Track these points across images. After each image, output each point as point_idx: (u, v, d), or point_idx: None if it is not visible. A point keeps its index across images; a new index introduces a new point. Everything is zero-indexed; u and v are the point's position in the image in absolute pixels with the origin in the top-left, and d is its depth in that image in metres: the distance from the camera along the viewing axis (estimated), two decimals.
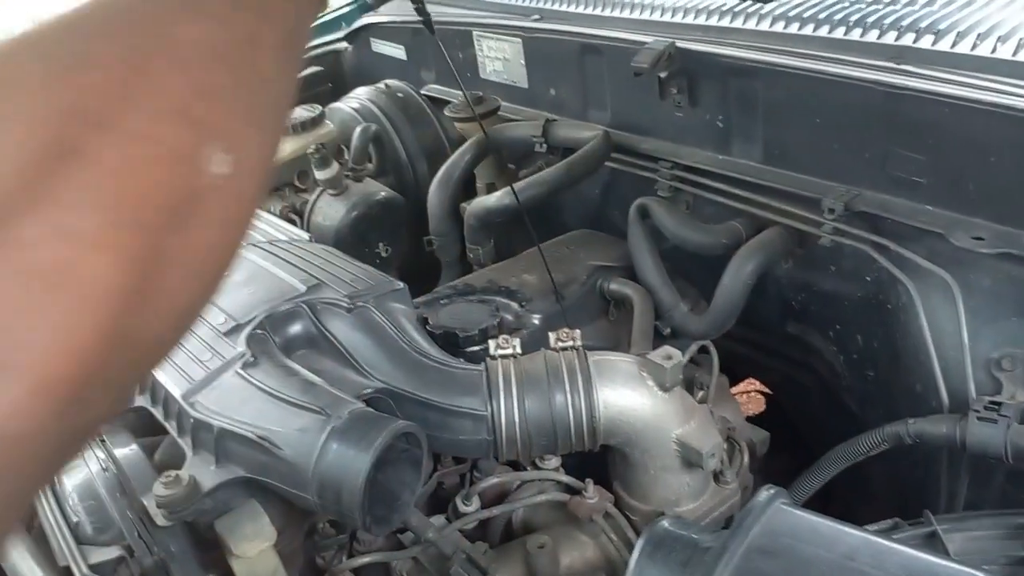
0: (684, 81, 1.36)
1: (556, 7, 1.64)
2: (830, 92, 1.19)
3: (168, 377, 1.07)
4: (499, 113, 1.68)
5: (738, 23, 1.32)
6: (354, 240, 1.60)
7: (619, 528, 1.11)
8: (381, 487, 0.93)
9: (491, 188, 1.71)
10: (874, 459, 1.13)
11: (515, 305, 1.34)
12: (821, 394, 1.48)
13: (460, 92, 1.85)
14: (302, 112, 1.79)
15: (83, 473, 1.03)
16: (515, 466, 1.21)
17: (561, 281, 1.37)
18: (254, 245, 1.37)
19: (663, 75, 1.33)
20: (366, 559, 1.04)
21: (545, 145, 1.55)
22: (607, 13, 1.54)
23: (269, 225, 1.46)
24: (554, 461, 1.18)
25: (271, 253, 1.32)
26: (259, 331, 1.11)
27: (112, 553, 0.92)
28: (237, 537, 0.94)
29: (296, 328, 1.13)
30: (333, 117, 1.85)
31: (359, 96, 1.93)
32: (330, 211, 1.63)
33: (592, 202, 1.67)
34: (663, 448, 1.06)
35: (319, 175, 1.62)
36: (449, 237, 1.58)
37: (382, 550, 1.10)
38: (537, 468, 1.19)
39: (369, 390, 1.04)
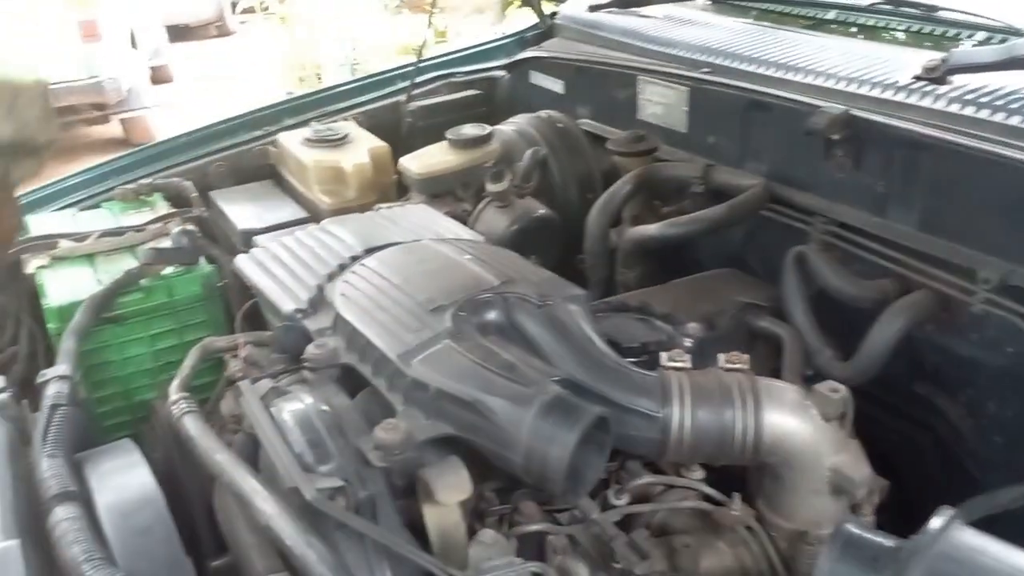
0: (852, 145, 1.47)
1: (726, 63, 1.78)
2: (998, 173, 1.29)
3: (381, 341, 1.21)
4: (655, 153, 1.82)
5: (913, 99, 1.43)
6: (512, 250, 1.73)
7: (760, 541, 1.21)
8: (571, 463, 1.04)
9: (637, 220, 1.83)
10: None
11: (669, 327, 1.45)
12: (938, 455, 1.55)
13: (614, 129, 2.00)
14: (471, 130, 1.96)
15: (302, 409, 1.17)
16: (657, 472, 1.32)
17: (711, 312, 1.48)
18: (444, 240, 1.52)
19: (835, 137, 1.45)
20: (533, 527, 1.15)
21: (702, 186, 1.67)
22: (778, 75, 1.66)
23: (451, 225, 1.61)
24: (699, 472, 1.28)
25: (461, 249, 1.46)
26: (461, 312, 1.25)
27: (335, 483, 1.05)
28: (441, 485, 1.06)
29: (491, 315, 1.27)
30: (495, 137, 2.00)
31: (521, 121, 2.08)
32: (494, 221, 1.77)
33: (731, 245, 1.78)
34: (816, 473, 1.15)
35: (491, 187, 1.77)
36: (601, 258, 1.71)
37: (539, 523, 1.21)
38: (681, 476, 1.29)
39: (556, 377, 1.16)
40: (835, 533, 0.88)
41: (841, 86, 1.54)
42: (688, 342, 1.43)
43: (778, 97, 1.58)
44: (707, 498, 1.25)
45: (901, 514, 1.46)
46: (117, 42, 6.85)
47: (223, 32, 11.86)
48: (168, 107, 7.86)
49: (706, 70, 1.77)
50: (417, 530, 1.10)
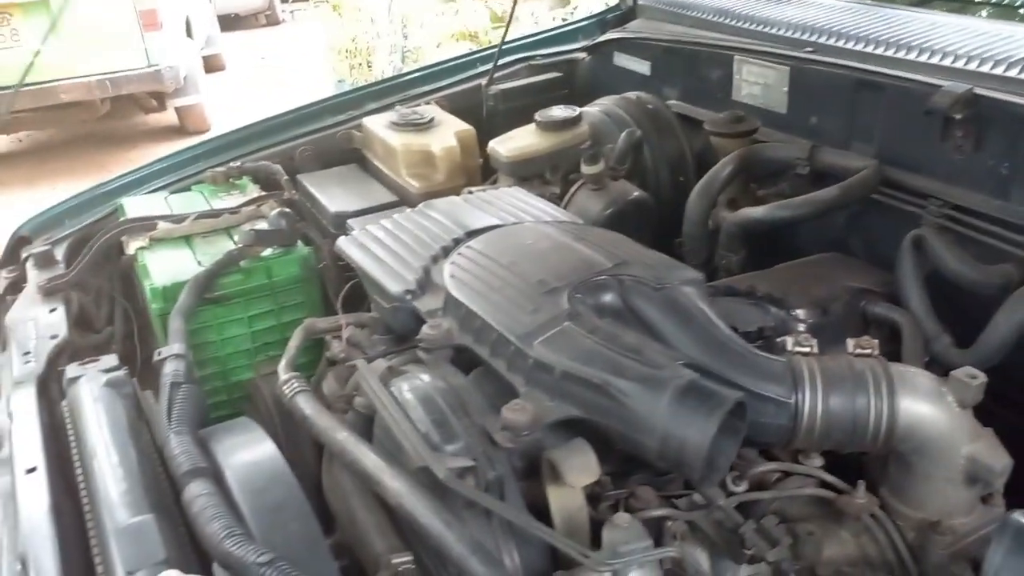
0: (973, 126, 1.42)
1: (831, 42, 1.73)
2: None
3: (497, 322, 1.20)
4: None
5: None
6: None
7: (886, 530, 1.17)
8: (710, 450, 1.02)
9: (733, 203, 1.79)
10: None
11: (781, 312, 1.42)
12: None
13: (705, 110, 1.96)
14: (560, 112, 1.93)
15: (424, 389, 1.16)
16: (770, 458, 1.29)
17: (822, 297, 1.45)
18: (548, 222, 1.50)
19: (957, 117, 1.39)
20: (658, 512, 1.13)
21: (807, 168, 1.63)
22: (888, 53, 1.61)
23: (548, 207, 1.59)
24: (818, 460, 1.25)
25: (567, 231, 1.44)
26: (577, 295, 1.23)
27: (466, 462, 1.04)
28: (569, 467, 1.04)
29: (607, 298, 1.25)
30: (584, 120, 1.98)
31: (608, 103, 2.06)
32: (588, 204, 1.75)
33: (833, 229, 1.73)
34: (951, 461, 1.12)
35: (586, 169, 1.75)
36: (701, 241, 1.68)
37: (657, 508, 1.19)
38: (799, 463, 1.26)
39: (681, 362, 1.13)
40: (1005, 524, 0.84)
41: (960, 64, 1.49)
42: (801, 327, 1.40)
43: (892, 76, 1.53)
44: (826, 485, 1.22)
45: (1011, 506, 1.41)
46: (174, 31, 6.94)
47: (272, 21, 12.00)
48: (222, 95, 7.96)
49: (809, 49, 1.72)
50: (536, 512, 1.09)
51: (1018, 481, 1.54)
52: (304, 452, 1.47)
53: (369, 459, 1.12)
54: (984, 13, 1.79)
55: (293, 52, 9.54)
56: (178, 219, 1.84)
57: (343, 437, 1.19)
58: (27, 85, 5.86)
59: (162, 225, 1.81)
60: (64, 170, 6.26)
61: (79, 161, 6.51)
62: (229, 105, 7.72)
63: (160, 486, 1.15)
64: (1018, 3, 1.75)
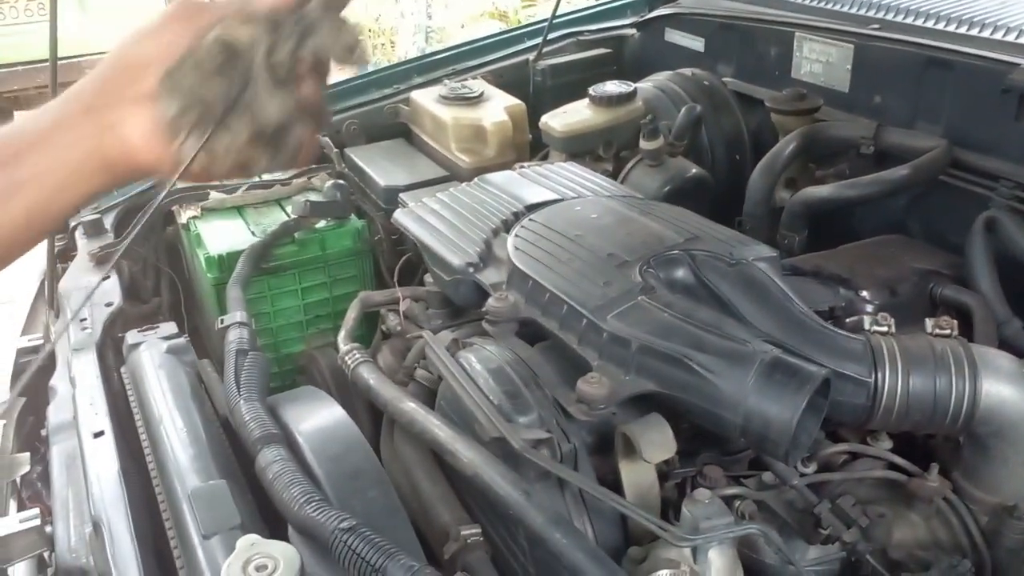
0: None
1: (897, 18, 1.69)
2: None
3: (568, 296, 1.18)
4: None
5: None
6: None
7: (959, 514, 1.15)
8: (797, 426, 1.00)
9: (791, 182, 1.77)
10: None
11: (850, 292, 1.40)
12: None
13: (762, 88, 1.93)
14: (615, 87, 1.90)
15: (495, 360, 1.15)
16: (838, 440, 1.27)
17: (890, 278, 1.42)
18: (611, 197, 1.48)
19: None
20: (729, 491, 1.11)
21: (872, 148, 1.60)
22: (958, 31, 1.58)
23: (606, 183, 1.57)
24: (887, 442, 1.23)
25: (633, 205, 1.42)
26: (649, 269, 1.21)
27: (541, 434, 1.03)
28: (646, 442, 1.03)
29: (679, 273, 1.23)
30: (638, 95, 1.95)
31: (662, 79, 2.03)
32: (645, 180, 1.73)
33: (894, 210, 1.70)
34: None
35: (645, 145, 1.72)
36: (762, 220, 1.65)
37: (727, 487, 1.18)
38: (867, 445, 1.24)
39: (759, 338, 1.11)
40: None
41: None
42: (869, 308, 1.38)
43: (963, 54, 1.49)
44: (896, 468, 1.20)
45: None
46: None
47: None
48: None
49: (875, 26, 1.69)
50: (605, 487, 1.07)
51: None
52: (361, 424, 1.46)
53: (441, 430, 1.12)
54: None
55: None
56: (230, 189, 1.83)
57: (411, 408, 1.18)
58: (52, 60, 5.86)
59: (214, 195, 1.81)
60: None
61: None
62: None
63: (227, 452, 1.15)
64: None
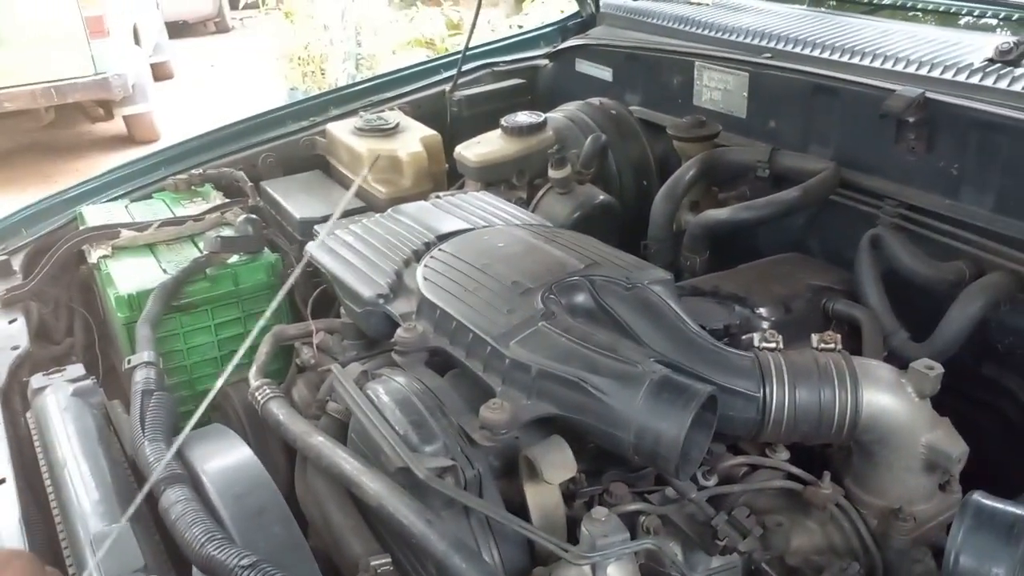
0: (925, 128, 1.48)
1: (788, 48, 1.78)
2: None
3: (473, 324, 1.21)
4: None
5: (988, 82, 1.44)
6: None
7: (851, 519, 1.21)
8: (685, 442, 1.04)
9: (695, 205, 1.84)
10: None
11: (746, 310, 1.46)
12: (1004, 436, 1.56)
13: (667, 116, 2.00)
14: (525, 117, 1.96)
15: (401, 391, 1.17)
16: (738, 453, 1.32)
17: (785, 295, 1.49)
18: (518, 225, 1.52)
19: (910, 120, 1.45)
20: (632, 507, 1.15)
21: (768, 171, 1.68)
22: (843, 59, 1.67)
23: (516, 211, 1.61)
24: (784, 453, 1.29)
25: (538, 233, 1.46)
26: (551, 295, 1.25)
27: (445, 462, 1.05)
28: (547, 464, 1.06)
29: (580, 298, 1.27)
30: (548, 125, 2.00)
31: (572, 109, 2.09)
32: (555, 208, 1.78)
33: (791, 229, 1.78)
34: (911, 450, 1.16)
35: (554, 174, 1.77)
36: (667, 243, 1.72)
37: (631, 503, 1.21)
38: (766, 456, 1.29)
39: (653, 358, 1.16)
40: (965, 504, 0.89)
41: (911, 70, 1.55)
42: (765, 325, 1.44)
43: (848, 81, 1.59)
44: (793, 478, 1.26)
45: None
46: (121, 38, 6.80)
47: (221, 28, 11.83)
48: (171, 103, 7.82)
49: (768, 55, 1.78)
50: (513, 510, 1.10)
51: (971, 468, 1.60)
52: (275, 460, 1.46)
53: (347, 462, 1.13)
54: (929, 20, 1.86)
55: (244, 60, 9.41)
56: (142, 227, 1.81)
57: (319, 441, 1.19)
58: None
59: (125, 233, 1.79)
60: (7, 180, 6.08)
61: (23, 171, 6.33)
62: (178, 114, 7.59)
63: (133, 495, 1.13)
64: (962, 10, 1.82)
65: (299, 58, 7.61)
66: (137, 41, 7.41)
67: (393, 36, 7.56)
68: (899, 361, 1.45)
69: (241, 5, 9.49)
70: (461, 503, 1.04)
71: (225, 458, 1.13)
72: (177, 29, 10.54)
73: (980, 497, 0.90)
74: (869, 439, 1.17)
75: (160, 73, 8.64)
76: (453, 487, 1.03)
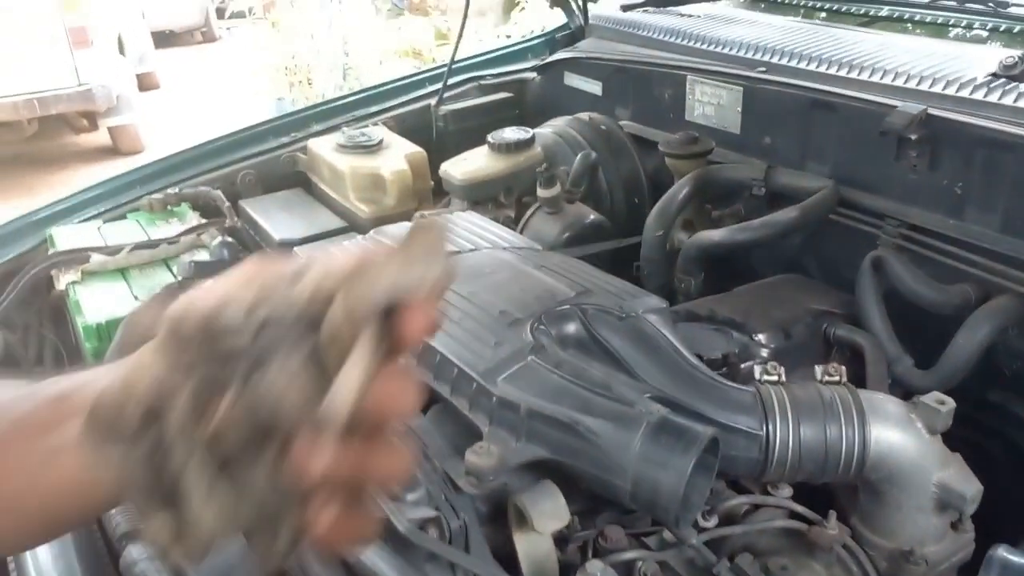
0: (927, 146, 1.42)
1: (783, 62, 1.73)
2: None
3: (458, 358, 1.14)
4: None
5: (992, 97, 1.39)
6: None
7: (859, 561, 1.15)
8: (686, 489, 0.98)
9: (688, 224, 1.78)
10: None
11: (744, 336, 1.40)
12: (1012, 464, 1.51)
13: (658, 131, 1.94)
14: (512, 134, 1.89)
15: None
16: (740, 491, 1.26)
17: (784, 320, 1.43)
18: (506, 249, 1.46)
19: (912, 137, 1.40)
20: (629, 555, 1.08)
21: (763, 189, 1.62)
22: (841, 73, 1.61)
23: (504, 233, 1.55)
24: (787, 491, 1.23)
25: (527, 258, 1.40)
26: (540, 326, 1.18)
27: (428, 512, 0.98)
28: (538, 513, 1.00)
29: (570, 328, 1.21)
30: (536, 141, 1.94)
31: (560, 124, 2.03)
32: (544, 228, 1.71)
33: (788, 250, 1.72)
34: (921, 488, 1.10)
35: (542, 193, 1.71)
36: (660, 265, 1.65)
37: (627, 550, 1.15)
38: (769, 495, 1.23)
39: (649, 395, 1.10)
40: (990, 560, 0.82)
41: (912, 84, 1.50)
42: (764, 352, 1.38)
43: (846, 96, 1.53)
44: (797, 516, 1.20)
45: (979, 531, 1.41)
46: (106, 49, 6.73)
47: (208, 38, 11.77)
48: (156, 114, 7.74)
49: (762, 69, 1.72)
50: (502, 558, 1.03)
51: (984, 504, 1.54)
52: None
53: None
54: (921, 33, 1.81)
55: (230, 69, 9.35)
56: (113, 250, 1.74)
57: None
58: None
59: (95, 257, 1.71)
60: None
61: (5, 184, 6.24)
62: (164, 125, 7.52)
63: (96, 548, 1.06)
64: (961, 22, 1.77)
65: (286, 68, 7.56)
66: (122, 51, 7.34)
67: (380, 46, 7.51)
68: (904, 389, 1.40)
69: (228, 15, 9.44)
70: (447, 558, 0.97)
71: None
72: (163, 39, 10.47)
73: (1005, 552, 0.84)
74: (877, 477, 1.11)
75: (146, 84, 8.57)
76: (436, 541, 0.96)
